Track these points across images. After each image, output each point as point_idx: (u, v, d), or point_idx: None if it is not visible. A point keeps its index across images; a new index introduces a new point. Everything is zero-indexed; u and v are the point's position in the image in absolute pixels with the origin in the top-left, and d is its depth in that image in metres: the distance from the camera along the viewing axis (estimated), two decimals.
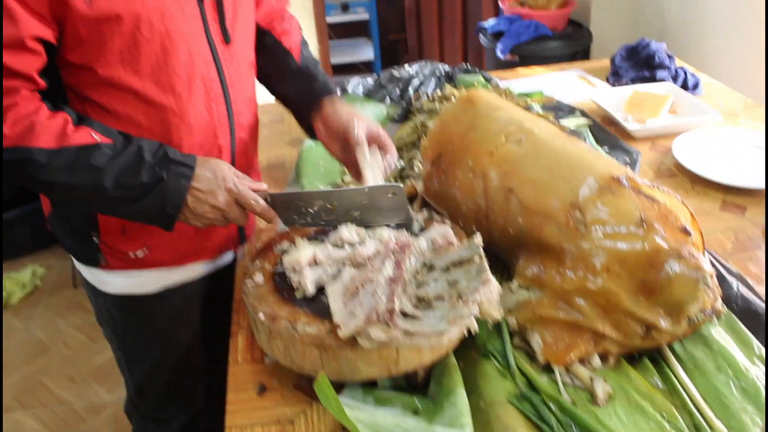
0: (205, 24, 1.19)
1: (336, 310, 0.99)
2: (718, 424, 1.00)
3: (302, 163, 1.76)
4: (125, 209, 1.12)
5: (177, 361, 1.52)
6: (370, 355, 0.98)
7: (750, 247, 1.39)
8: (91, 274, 1.40)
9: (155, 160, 1.09)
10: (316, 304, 1.05)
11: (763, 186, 1.54)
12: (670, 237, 1.05)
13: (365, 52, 5.64)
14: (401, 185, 1.18)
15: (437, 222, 1.22)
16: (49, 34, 1.05)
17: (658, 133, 1.85)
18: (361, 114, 1.35)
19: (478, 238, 1.00)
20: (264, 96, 1.55)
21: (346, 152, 1.34)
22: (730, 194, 1.56)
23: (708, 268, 1.04)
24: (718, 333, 1.15)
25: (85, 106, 1.17)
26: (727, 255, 1.37)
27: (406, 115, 1.91)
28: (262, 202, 1.15)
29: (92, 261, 1.34)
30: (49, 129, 1.05)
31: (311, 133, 1.45)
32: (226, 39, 1.23)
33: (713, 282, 1.05)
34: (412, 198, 1.56)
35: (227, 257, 1.49)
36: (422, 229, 1.20)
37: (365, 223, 1.20)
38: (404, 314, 0.94)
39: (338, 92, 1.48)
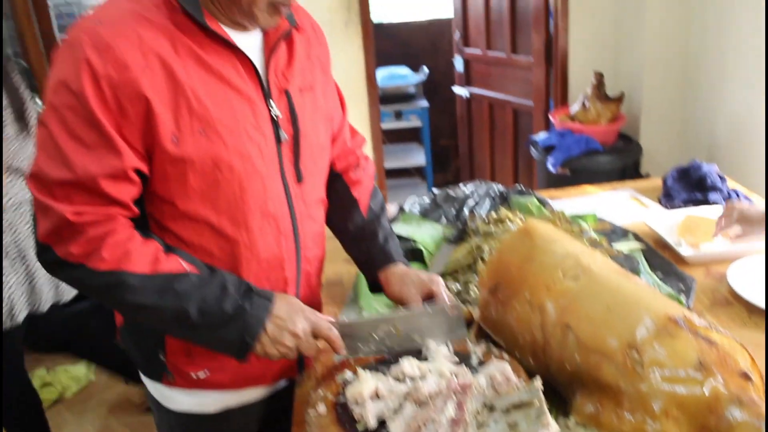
0: (281, 164, 1.28)
1: None
2: None
3: (360, 283, 1.80)
4: (206, 336, 1.18)
5: None
6: None
7: None
8: (156, 389, 1.45)
9: (239, 292, 1.17)
10: None
11: None
12: (730, 382, 1.06)
13: (417, 157, 5.79)
14: (460, 303, 1.22)
15: (495, 357, 1.25)
16: (144, 167, 1.16)
17: (712, 258, 1.87)
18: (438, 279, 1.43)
19: (538, 382, 1.03)
20: None
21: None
22: None
23: None
24: None
25: (164, 235, 1.25)
26: None
27: (461, 236, 1.96)
28: (335, 331, 1.21)
29: (157, 377, 1.40)
30: (144, 255, 1.15)
31: (373, 287, 1.54)
32: (299, 178, 1.32)
33: None
34: (469, 323, 1.60)
35: (285, 382, 1.53)
36: (481, 363, 1.23)
37: (429, 344, 1.26)
38: None
39: (400, 254, 1.55)
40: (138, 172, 1.16)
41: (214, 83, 1.17)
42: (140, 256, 1.14)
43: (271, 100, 1.25)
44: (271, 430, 1.54)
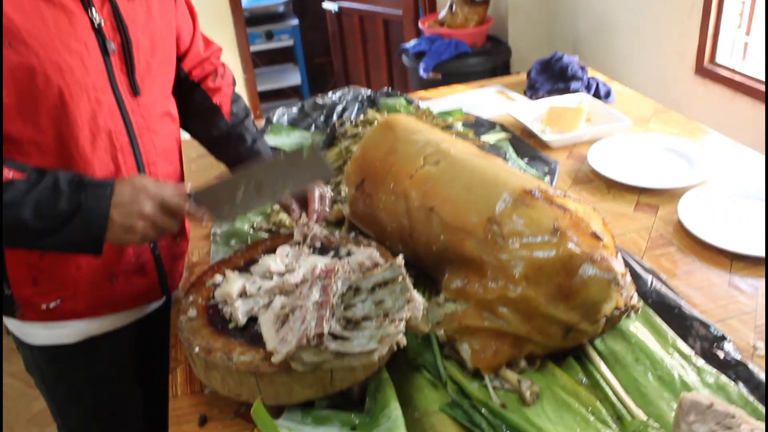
0: (111, 76, 1.19)
1: (268, 338, 1.02)
2: (637, 411, 1.06)
3: None
4: (52, 240, 1.09)
5: (112, 406, 1.50)
6: (304, 377, 1.01)
7: (662, 243, 1.47)
8: (14, 326, 1.38)
9: (71, 188, 1.08)
10: (250, 334, 1.08)
11: (673, 186, 1.64)
12: (582, 243, 1.11)
13: (292, 77, 5.69)
14: (315, 140, 1.22)
15: (364, 245, 1.26)
16: None
17: (574, 141, 1.94)
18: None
19: (399, 259, 1.05)
20: None
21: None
22: (644, 195, 1.65)
23: (619, 269, 1.11)
24: (636, 327, 1.22)
25: None
26: (642, 253, 1.45)
27: (331, 141, 1.95)
28: (188, 203, 1.15)
29: (10, 312, 1.32)
30: None
31: None
32: (135, 91, 1.24)
33: (625, 280, 1.12)
34: (340, 222, 1.61)
35: (156, 305, 1.48)
36: (349, 254, 1.24)
37: (296, 189, 1.26)
38: (334, 336, 0.97)
39: (270, 150, 1.53)
40: None
41: None
42: None
43: (92, 8, 1.15)
44: (150, 351, 1.52)
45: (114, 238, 1.11)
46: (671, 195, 1.63)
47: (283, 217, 1.64)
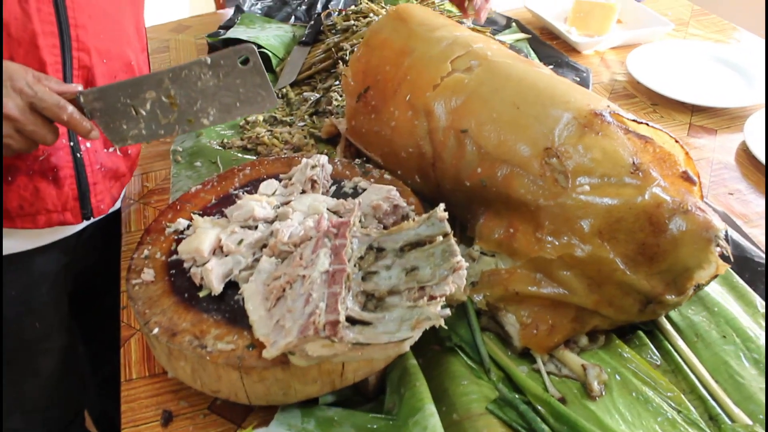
0: None
1: (257, 320, 0.73)
2: (736, 411, 0.82)
3: None
4: None
5: (18, 359, 1.20)
6: (307, 372, 0.73)
7: (729, 179, 1.20)
8: None
9: None
10: (228, 306, 0.78)
11: (732, 105, 1.35)
12: (671, 187, 0.83)
13: None
14: (253, 46, 0.88)
15: (375, 179, 0.96)
16: None
17: (606, 46, 1.63)
18: None
19: (441, 210, 0.76)
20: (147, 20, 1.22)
21: None
22: (696, 115, 1.37)
23: (719, 225, 0.83)
24: (715, 291, 0.97)
25: None
26: (705, 191, 1.18)
27: (315, 36, 1.61)
28: (70, 107, 0.84)
29: None
30: None
31: None
32: None
33: (725, 243, 0.84)
34: (333, 138, 1.30)
35: (73, 229, 1.14)
36: (356, 190, 0.94)
37: (222, 117, 0.90)
38: (351, 321, 0.69)
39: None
40: None
41: None
42: None
43: None
44: (73, 298, 1.22)
45: None
46: (729, 117, 1.36)
47: (260, 130, 1.32)
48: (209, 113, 0.90)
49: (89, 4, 0.97)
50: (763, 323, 0.92)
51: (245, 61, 0.87)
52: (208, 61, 0.86)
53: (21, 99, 0.81)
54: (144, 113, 0.88)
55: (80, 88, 0.87)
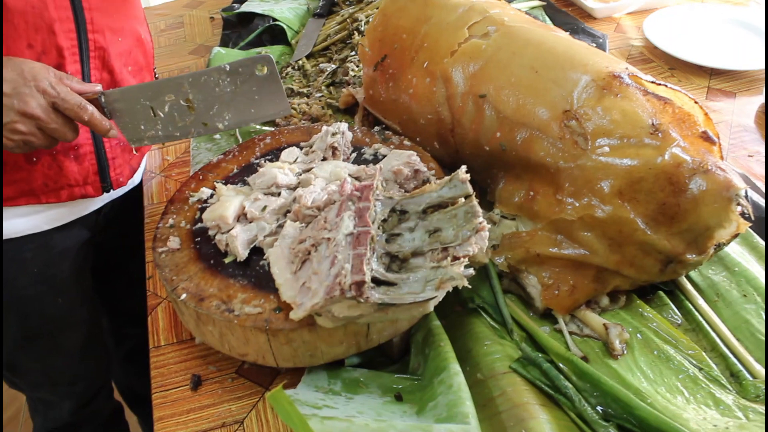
0: None
1: (283, 283, 0.74)
2: (758, 368, 0.82)
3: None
4: None
5: (43, 334, 1.21)
6: (333, 334, 0.74)
7: (748, 140, 1.20)
8: None
9: None
10: (254, 272, 0.80)
11: (751, 67, 1.34)
12: (691, 147, 0.84)
13: None
14: (271, 56, 0.90)
15: (395, 145, 0.97)
16: None
17: (622, 11, 1.62)
18: None
19: (462, 172, 0.76)
20: None
21: None
22: (715, 79, 1.36)
23: (740, 184, 0.83)
24: (736, 252, 0.97)
25: None
26: (724, 153, 1.17)
27: (329, 7, 1.61)
28: (91, 107, 0.86)
29: None
30: None
31: None
32: None
33: (746, 202, 0.84)
34: (350, 108, 1.30)
35: (96, 203, 1.16)
36: (376, 156, 0.95)
37: (239, 121, 0.93)
38: (377, 282, 0.70)
39: None
40: None
41: None
42: None
43: None
44: (102, 267, 1.23)
45: None
46: (749, 79, 1.35)
47: None
48: (225, 118, 0.93)
49: None
50: None
51: (263, 69, 0.89)
52: (228, 68, 0.89)
53: (44, 99, 0.83)
54: (162, 115, 0.91)
55: (100, 87, 0.89)
